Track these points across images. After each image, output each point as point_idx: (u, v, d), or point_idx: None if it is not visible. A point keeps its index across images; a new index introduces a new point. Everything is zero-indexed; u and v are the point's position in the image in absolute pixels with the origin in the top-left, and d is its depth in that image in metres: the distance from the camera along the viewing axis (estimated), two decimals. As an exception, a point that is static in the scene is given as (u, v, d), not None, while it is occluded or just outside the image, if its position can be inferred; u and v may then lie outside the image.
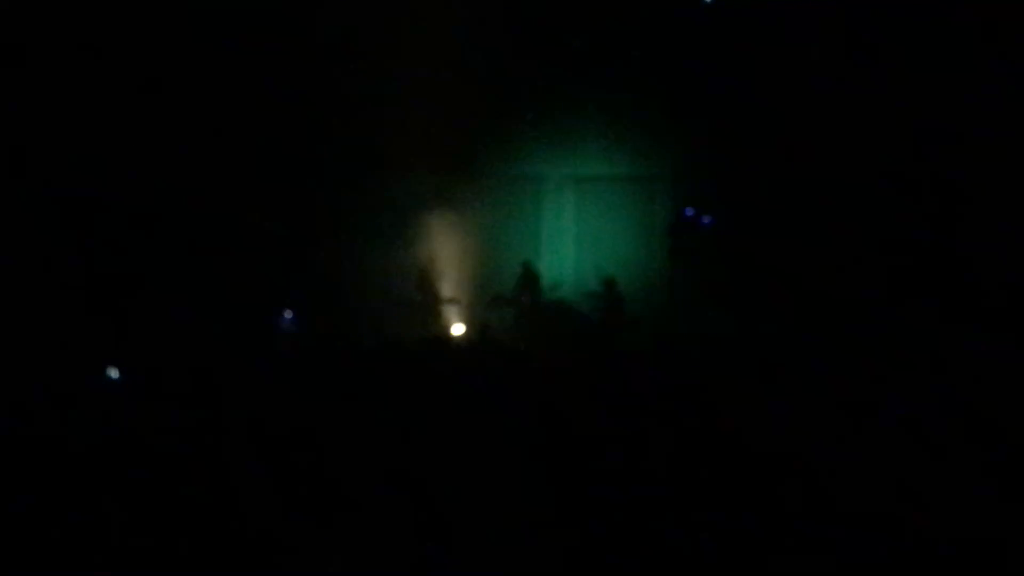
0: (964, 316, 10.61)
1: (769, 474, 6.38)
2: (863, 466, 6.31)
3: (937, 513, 5.54)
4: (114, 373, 10.14)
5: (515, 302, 13.97)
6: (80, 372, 9.86)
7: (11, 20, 12.00)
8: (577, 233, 14.94)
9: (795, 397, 8.33)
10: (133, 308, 11.99)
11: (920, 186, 11.95)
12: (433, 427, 7.52)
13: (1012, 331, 9.68)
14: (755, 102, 13.28)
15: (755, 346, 11.71)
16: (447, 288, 14.33)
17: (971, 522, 5.44)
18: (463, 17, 13.32)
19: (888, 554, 5.26)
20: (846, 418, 7.43)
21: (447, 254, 14.43)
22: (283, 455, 6.92)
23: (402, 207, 14.48)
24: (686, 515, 5.87)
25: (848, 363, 9.69)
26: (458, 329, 14.08)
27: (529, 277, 14.04)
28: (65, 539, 5.69)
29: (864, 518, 5.60)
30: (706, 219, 14.02)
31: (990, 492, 5.75)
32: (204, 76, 13.05)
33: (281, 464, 6.74)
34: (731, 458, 6.78)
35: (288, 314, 13.16)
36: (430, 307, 14.03)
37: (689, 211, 14.09)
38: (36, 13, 12.11)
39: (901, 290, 11.60)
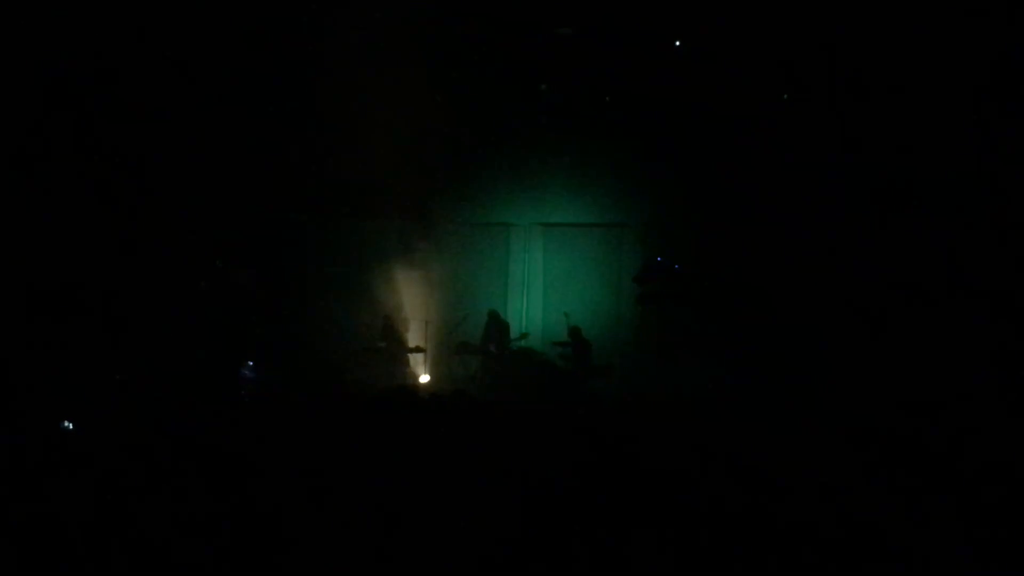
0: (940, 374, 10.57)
1: (742, 524, 6.26)
2: (846, 515, 6.22)
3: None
4: (68, 424, 9.88)
5: (482, 350, 13.85)
6: (35, 423, 9.58)
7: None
8: (545, 280, 14.86)
9: (766, 446, 8.25)
10: (91, 354, 11.72)
11: (895, 238, 11.98)
12: (397, 476, 7.35)
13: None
14: (726, 150, 13.32)
15: (724, 394, 11.67)
16: (412, 336, 14.17)
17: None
18: (432, 64, 13.34)
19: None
20: (821, 464, 7.34)
21: (413, 301, 14.29)
22: (242, 505, 6.72)
23: (368, 254, 14.39)
24: (659, 564, 5.76)
25: (819, 409, 9.65)
26: (424, 378, 13.91)
27: (496, 325, 13.92)
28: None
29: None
30: (675, 266, 13.98)
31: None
32: (166, 123, 12.92)
33: (239, 514, 6.54)
34: (702, 506, 6.66)
35: (249, 363, 12.93)
36: (395, 355, 13.84)
37: (658, 259, 14.05)
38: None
39: (874, 336, 11.58)
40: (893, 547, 5.55)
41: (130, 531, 6.15)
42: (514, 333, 14.05)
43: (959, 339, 10.54)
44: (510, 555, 5.88)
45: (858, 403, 9.87)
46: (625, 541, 5.97)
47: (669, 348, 13.45)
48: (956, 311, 10.90)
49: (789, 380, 11.23)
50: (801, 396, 10.30)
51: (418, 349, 14.07)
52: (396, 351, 13.87)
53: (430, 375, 13.98)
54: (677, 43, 13.73)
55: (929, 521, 5.62)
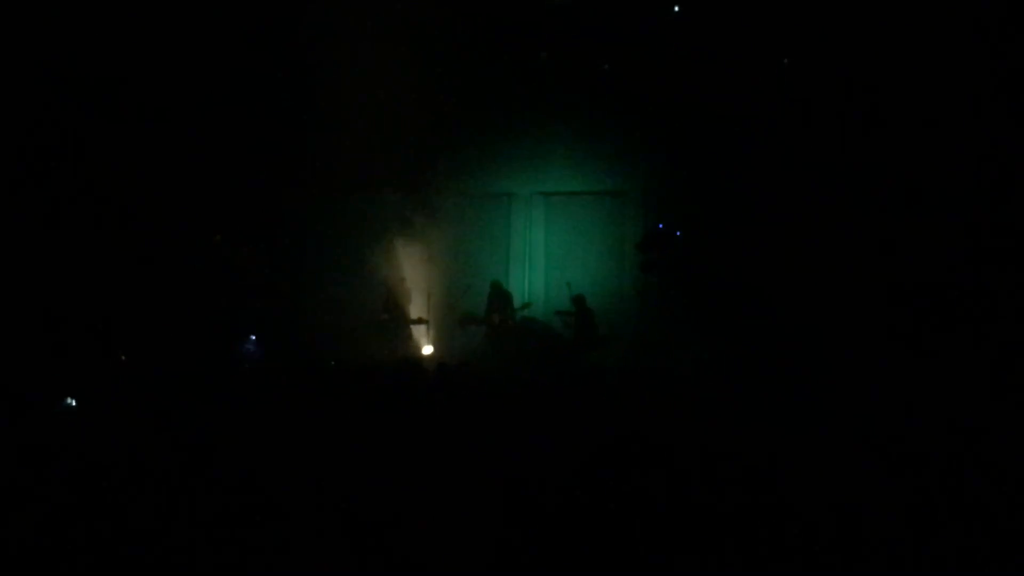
0: (940, 326, 10.57)
1: (748, 491, 6.28)
2: (846, 480, 6.23)
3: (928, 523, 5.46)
4: (72, 401, 9.90)
5: (485, 321, 13.85)
6: (40, 400, 9.61)
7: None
8: (547, 249, 14.83)
9: (770, 411, 8.25)
10: (95, 335, 11.73)
11: (895, 196, 11.92)
12: (402, 449, 7.36)
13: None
14: (726, 116, 13.23)
15: (726, 361, 11.67)
16: (416, 308, 14.16)
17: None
18: (431, 33, 13.24)
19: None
20: (825, 431, 7.35)
21: (415, 273, 14.28)
22: (247, 480, 6.74)
23: (370, 226, 14.36)
24: (664, 535, 5.77)
25: (824, 375, 9.64)
26: (427, 349, 13.91)
27: (499, 296, 13.91)
28: None
29: (851, 534, 5.50)
30: (676, 233, 13.93)
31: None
32: (165, 103, 12.85)
33: (245, 490, 6.56)
34: (707, 474, 6.67)
35: (251, 338, 12.94)
36: (399, 328, 13.85)
37: (660, 226, 14.01)
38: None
39: (877, 301, 11.55)
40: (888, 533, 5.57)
41: (133, 515, 6.16)
42: (516, 303, 14.04)
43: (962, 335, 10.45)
44: (514, 535, 5.89)
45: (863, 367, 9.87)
46: (628, 523, 5.98)
47: (671, 316, 13.43)
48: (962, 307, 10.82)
49: (791, 351, 11.20)
50: (803, 368, 10.27)
51: (421, 321, 14.07)
52: (399, 323, 13.87)
53: (433, 347, 13.97)
54: (676, 8, 13.60)
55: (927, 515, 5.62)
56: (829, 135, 12.53)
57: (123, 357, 11.53)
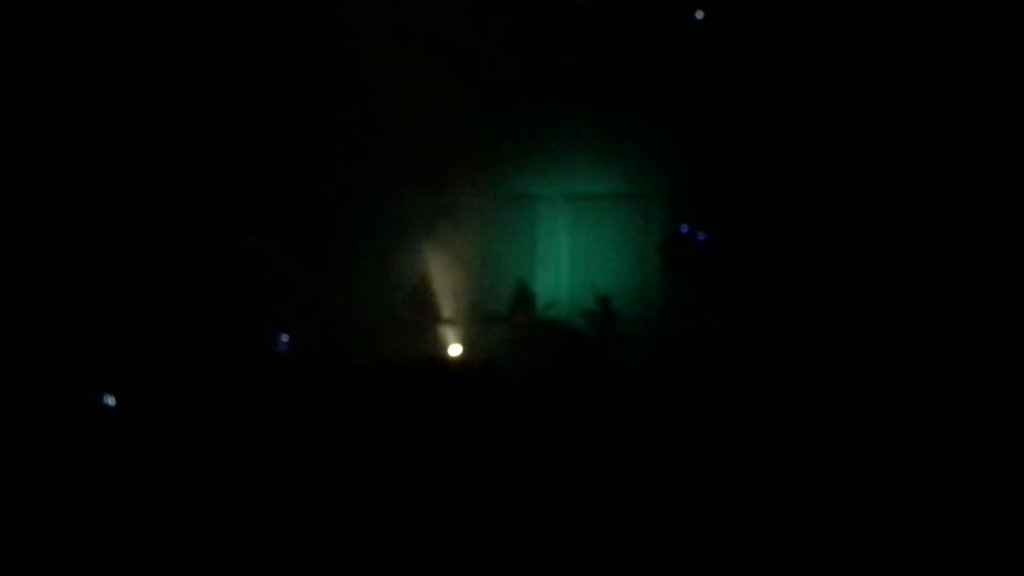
0: (961, 322, 10.55)
1: (769, 489, 6.33)
2: (867, 480, 6.27)
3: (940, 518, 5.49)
4: (111, 400, 10.05)
5: (510, 321, 13.93)
6: (75, 398, 9.76)
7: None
8: (571, 251, 14.92)
9: (793, 413, 8.29)
10: (127, 335, 11.89)
11: (915, 199, 11.92)
12: (428, 447, 7.46)
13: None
14: (749, 118, 13.28)
15: (752, 363, 11.69)
16: (441, 307, 14.28)
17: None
18: (454, 33, 13.34)
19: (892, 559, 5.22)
20: (845, 434, 7.38)
21: (441, 273, 14.39)
22: (277, 476, 6.85)
23: (395, 226, 14.48)
24: (684, 534, 5.83)
25: (846, 378, 9.65)
26: (454, 349, 14.03)
27: (523, 295, 14.01)
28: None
29: (870, 526, 5.55)
30: (700, 235, 13.99)
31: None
32: (190, 99, 13.02)
33: (275, 485, 6.68)
34: (729, 473, 6.73)
35: (284, 337, 13.09)
36: (425, 327, 13.97)
37: (684, 228, 14.07)
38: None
39: (897, 303, 11.56)
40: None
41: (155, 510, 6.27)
42: (541, 304, 14.13)
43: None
44: (538, 532, 5.96)
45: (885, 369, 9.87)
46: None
47: (695, 318, 13.48)
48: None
49: (816, 351, 11.21)
50: (829, 368, 10.28)
51: (447, 320, 14.20)
52: (425, 322, 13.99)
53: (460, 345, 14.09)
54: (700, 12, 13.66)
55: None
56: (854, 134, 12.54)
57: (149, 350, 11.65)
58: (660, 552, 5.61)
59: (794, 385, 9.22)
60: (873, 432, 7.21)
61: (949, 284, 11.18)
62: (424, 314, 14.02)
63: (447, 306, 14.30)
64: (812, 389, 8.98)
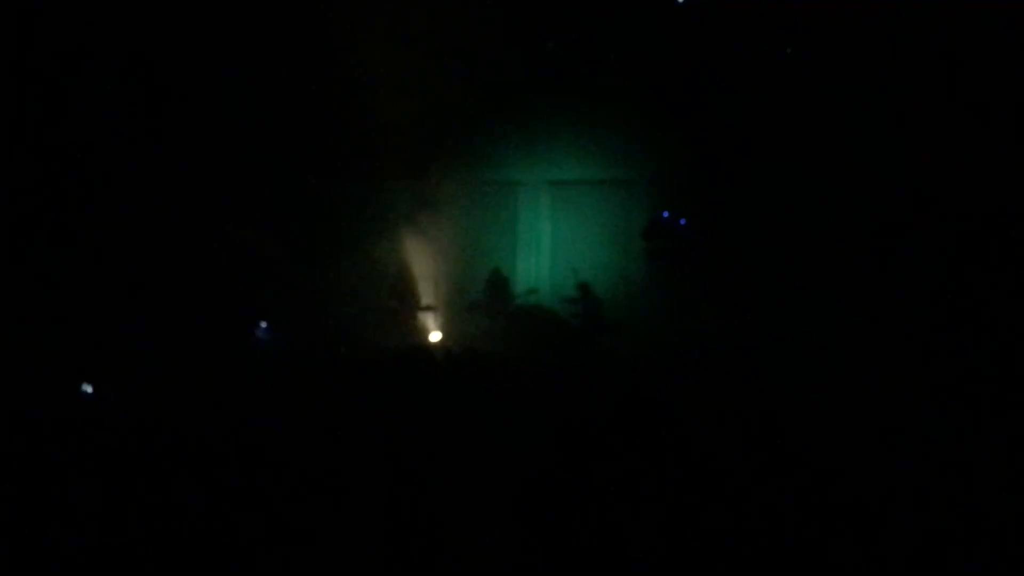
0: (949, 312, 10.58)
1: (753, 480, 6.35)
2: (852, 472, 6.29)
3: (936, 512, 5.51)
4: (88, 388, 9.99)
5: (489, 307, 13.91)
6: (54, 386, 9.68)
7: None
8: (553, 237, 14.91)
9: (775, 399, 8.32)
10: (107, 323, 11.80)
11: (901, 186, 11.94)
12: (411, 436, 7.45)
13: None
14: (732, 104, 13.28)
15: (733, 349, 11.73)
16: (423, 295, 14.26)
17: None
18: (436, 22, 13.27)
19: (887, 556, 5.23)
20: (831, 421, 7.40)
21: (422, 261, 14.36)
22: (259, 467, 6.82)
23: (376, 214, 14.44)
24: (667, 522, 5.84)
25: (829, 364, 9.69)
26: (435, 336, 14.01)
27: (499, 282, 13.99)
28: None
29: (860, 523, 5.56)
30: (682, 222, 14.02)
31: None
32: (175, 90, 12.91)
33: (257, 476, 6.65)
34: (712, 462, 6.74)
35: (263, 324, 13.04)
36: (406, 315, 13.94)
37: (665, 214, 14.09)
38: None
39: (881, 291, 11.60)
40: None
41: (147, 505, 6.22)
42: (519, 290, 14.13)
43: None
44: (523, 523, 5.95)
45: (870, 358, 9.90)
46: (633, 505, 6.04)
47: (677, 304, 13.51)
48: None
49: (798, 339, 11.24)
50: (812, 355, 10.31)
51: (428, 308, 14.17)
52: (407, 310, 13.97)
53: (441, 333, 14.07)
54: None
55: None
56: (838, 123, 12.56)
57: (134, 343, 11.58)
58: (647, 542, 5.61)
59: (781, 374, 9.24)
60: (860, 423, 7.24)
61: (938, 270, 11.20)
62: (406, 302, 13.98)
63: (429, 294, 14.28)
64: (800, 378, 9.01)
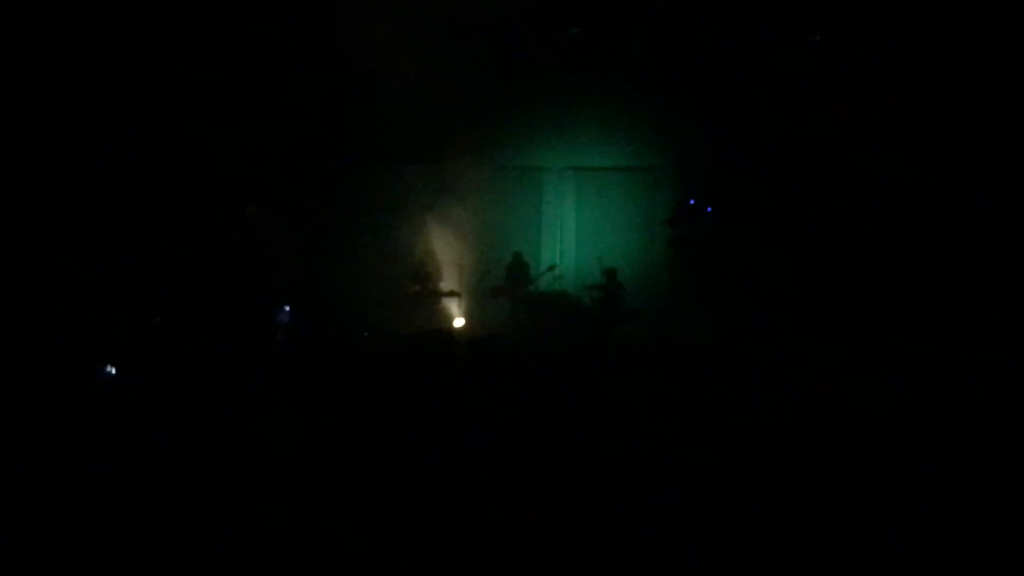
0: (965, 307, 10.45)
1: (772, 470, 6.31)
2: (870, 465, 6.24)
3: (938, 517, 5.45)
4: (111, 369, 10.07)
5: (513, 293, 13.91)
6: (77, 369, 9.77)
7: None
8: (577, 224, 14.89)
9: (798, 389, 8.27)
10: (129, 305, 11.88)
11: (925, 178, 11.79)
12: (432, 420, 7.47)
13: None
14: (757, 92, 13.17)
15: (757, 338, 11.67)
16: (446, 280, 14.28)
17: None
18: (462, 7, 13.22)
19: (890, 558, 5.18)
20: (852, 413, 7.34)
21: (445, 246, 14.39)
22: (280, 449, 6.86)
23: (399, 199, 14.47)
24: (687, 512, 5.82)
25: (851, 354, 9.61)
26: (458, 322, 14.04)
27: (519, 268, 13.98)
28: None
29: (871, 522, 5.51)
30: (707, 209, 13.94)
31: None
32: (200, 68, 12.94)
33: (278, 458, 6.69)
34: (734, 452, 6.71)
35: (285, 308, 13.11)
36: (429, 300, 13.98)
37: (691, 201, 14.02)
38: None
39: (913, 276, 11.46)
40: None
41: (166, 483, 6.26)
42: (544, 275, 14.11)
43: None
44: (544, 503, 5.95)
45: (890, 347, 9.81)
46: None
47: (701, 292, 13.45)
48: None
49: (821, 326, 11.15)
50: (834, 342, 10.23)
51: (452, 293, 14.20)
52: (430, 295, 14.00)
53: (464, 319, 14.10)
54: None
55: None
56: (863, 109, 12.42)
57: (159, 327, 11.66)
58: (659, 527, 5.61)
59: (803, 363, 9.18)
60: (887, 408, 7.19)
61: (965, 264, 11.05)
62: (428, 287, 14.01)
63: (452, 279, 14.30)
64: (821, 367, 8.94)
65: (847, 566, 5.08)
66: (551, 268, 14.18)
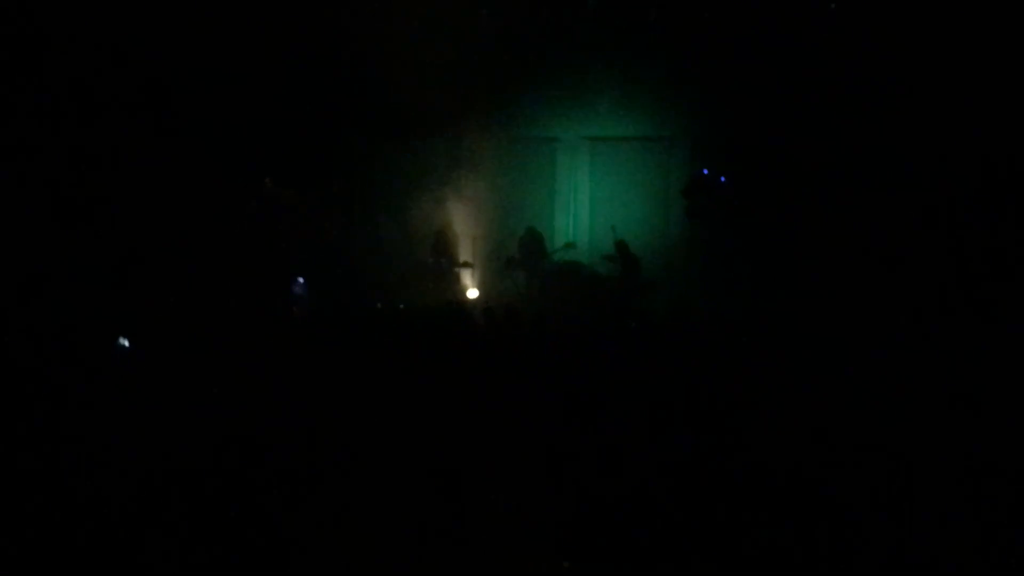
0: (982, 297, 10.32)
1: (787, 442, 6.32)
2: (885, 437, 6.23)
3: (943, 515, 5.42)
4: (125, 342, 10.12)
5: (528, 265, 13.90)
6: (92, 344, 9.82)
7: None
8: (591, 194, 14.84)
9: (811, 359, 8.25)
10: (143, 278, 11.92)
11: (955, 144, 11.64)
12: (447, 392, 7.49)
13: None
14: (773, 60, 13.05)
15: (772, 309, 11.65)
16: (462, 252, 14.29)
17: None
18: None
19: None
20: (865, 386, 7.31)
21: (460, 217, 14.38)
22: (295, 423, 6.90)
23: (414, 170, 14.45)
24: (700, 485, 5.82)
25: (864, 329, 9.56)
26: (472, 293, 14.06)
27: (535, 239, 13.96)
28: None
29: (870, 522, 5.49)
30: (722, 179, 13.87)
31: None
32: (212, 39, 12.90)
33: (294, 433, 6.72)
34: (748, 422, 6.72)
35: (300, 280, 13.14)
36: (444, 271, 13.99)
37: (706, 171, 13.95)
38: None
39: (930, 250, 11.36)
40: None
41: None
42: (550, 247, 14.10)
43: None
44: (557, 480, 5.96)
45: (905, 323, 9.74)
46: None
47: (716, 263, 13.42)
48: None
49: (837, 299, 11.10)
50: (849, 315, 10.17)
51: (466, 264, 14.21)
52: (445, 267, 14.01)
53: (479, 290, 14.12)
54: None
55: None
56: (885, 81, 12.29)
57: (173, 301, 11.68)
58: (673, 505, 5.61)
59: (817, 335, 9.13)
60: (905, 386, 7.15)
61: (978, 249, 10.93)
62: (444, 259, 14.02)
63: (467, 251, 14.30)
64: (833, 339, 8.90)
65: (847, 566, 5.07)
66: (568, 245, 14.15)
